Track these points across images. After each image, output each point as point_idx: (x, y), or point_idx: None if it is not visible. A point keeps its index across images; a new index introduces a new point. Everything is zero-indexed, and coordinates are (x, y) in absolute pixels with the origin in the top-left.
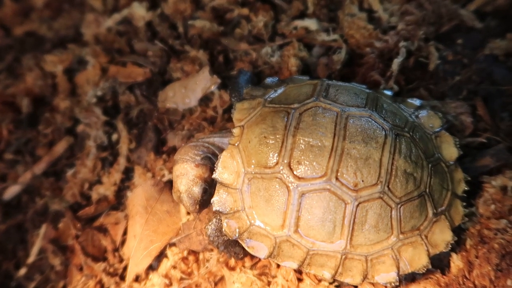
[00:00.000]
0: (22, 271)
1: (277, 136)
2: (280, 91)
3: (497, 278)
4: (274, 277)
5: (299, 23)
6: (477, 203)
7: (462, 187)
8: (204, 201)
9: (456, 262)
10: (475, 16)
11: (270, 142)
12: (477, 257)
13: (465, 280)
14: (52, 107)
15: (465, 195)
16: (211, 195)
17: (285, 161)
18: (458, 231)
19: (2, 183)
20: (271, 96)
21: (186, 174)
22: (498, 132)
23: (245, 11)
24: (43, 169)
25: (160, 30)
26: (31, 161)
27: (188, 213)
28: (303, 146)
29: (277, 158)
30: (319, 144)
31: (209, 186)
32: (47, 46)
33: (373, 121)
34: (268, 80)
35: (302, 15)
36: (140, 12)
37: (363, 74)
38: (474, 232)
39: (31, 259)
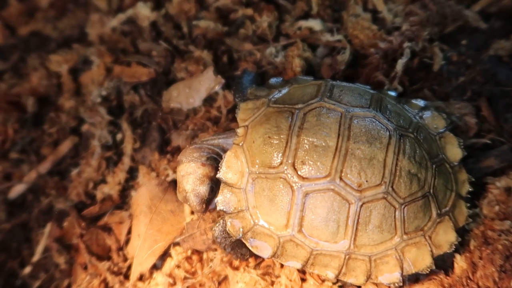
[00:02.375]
0: (27, 269)
1: (281, 136)
2: (284, 91)
3: (501, 280)
4: (277, 277)
5: (303, 23)
6: (481, 204)
7: (466, 188)
8: (210, 200)
9: (460, 263)
10: (479, 17)
11: (274, 142)
12: (481, 258)
13: (468, 281)
14: (57, 106)
15: (469, 196)
16: (217, 195)
17: (289, 161)
18: (462, 232)
19: (7, 182)
20: (275, 96)
21: (192, 173)
22: (502, 133)
23: (249, 11)
24: (48, 168)
25: (165, 30)
26: (36, 160)
27: (192, 213)
28: (307, 146)
29: (281, 158)
30: (323, 144)
31: (215, 185)
32: (52, 46)
33: (377, 122)
34: (272, 80)
35: (306, 15)
36: (144, 12)
37: (367, 74)
38: (478, 233)
39: (35, 257)
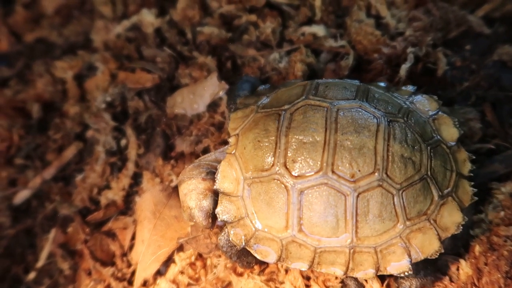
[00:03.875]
0: (31, 275)
1: (270, 138)
2: (271, 96)
3: (507, 286)
4: (281, 283)
5: (307, 29)
6: (486, 210)
7: (467, 167)
8: (215, 214)
9: (465, 269)
10: (483, 22)
11: (264, 145)
12: (486, 264)
13: (474, 287)
14: (62, 112)
15: (471, 174)
16: None
17: (281, 162)
18: (467, 238)
19: (12, 187)
20: (263, 102)
21: (194, 189)
22: (507, 138)
23: (253, 17)
24: (53, 174)
25: (169, 37)
26: (40, 166)
27: None
28: (296, 144)
29: (273, 160)
30: (311, 140)
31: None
32: (57, 53)
33: (363, 111)
34: (261, 87)
35: (309, 21)
36: (149, 19)
37: (370, 80)
38: (483, 239)
39: (40, 263)
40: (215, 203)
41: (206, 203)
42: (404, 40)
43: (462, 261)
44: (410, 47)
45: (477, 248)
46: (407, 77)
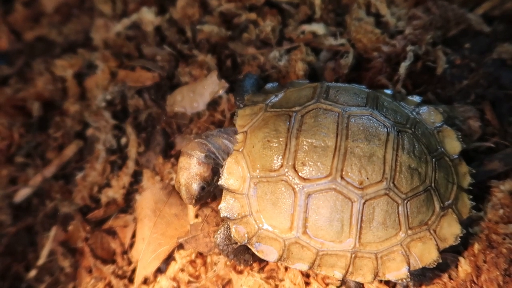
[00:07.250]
0: (32, 273)
1: (280, 139)
2: (280, 95)
3: (506, 283)
4: (281, 280)
5: (307, 27)
6: (485, 208)
7: (467, 180)
8: (201, 197)
9: (464, 266)
10: (482, 20)
11: (274, 145)
12: (485, 262)
13: (473, 285)
14: (62, 111)
15: (471, 188)
16: (209, 193)
17: (290, 163)
18: (466, 236)
19: (13, 186)
20: (272, 101)
21: (188, 169)
22: (506, 136)
23: (252, 15)
24: (53, 172)
25: (169, 35)
26: (41, 164)
27: (196, 216)
28: (306, 147)
29: (282, 161)
30: (322, 144)
31: (208, 185)
32: (57, 51)
33: (374, 119)
34: (268, 85)
35: (309, 19)
36: (148, 17)
37: (370, 78)
38: (482, 237)
39: (41, 261)
40: (202, 189)
41: (194, 187)
42: (403, 39)
43: (461, 259)
44: (410, 46)
45: (476, 246)
46: (406, 76)
